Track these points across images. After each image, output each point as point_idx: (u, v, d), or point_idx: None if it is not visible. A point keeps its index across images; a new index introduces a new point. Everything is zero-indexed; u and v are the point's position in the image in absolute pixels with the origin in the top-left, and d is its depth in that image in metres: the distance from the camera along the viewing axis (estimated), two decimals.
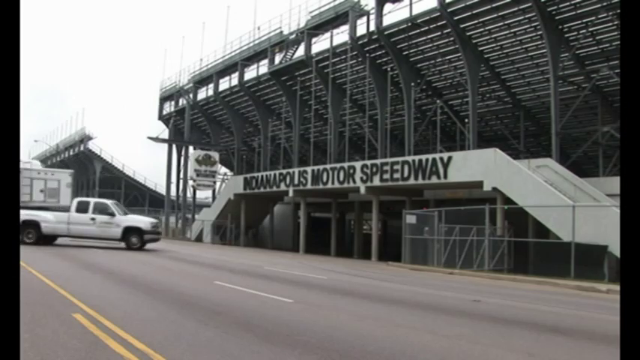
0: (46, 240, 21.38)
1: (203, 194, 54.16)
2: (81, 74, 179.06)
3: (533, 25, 25.14)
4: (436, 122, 29.58)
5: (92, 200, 22.80)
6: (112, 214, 21.45)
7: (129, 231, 21.38)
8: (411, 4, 27.98)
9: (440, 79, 32.36)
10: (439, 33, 27.81)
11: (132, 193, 67.15)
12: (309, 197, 33.82)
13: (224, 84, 44.09)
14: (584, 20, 24.04)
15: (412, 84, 29.83)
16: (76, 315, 6.62)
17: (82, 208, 21.59)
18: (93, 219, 21.24)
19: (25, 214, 20.29)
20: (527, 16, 24.82)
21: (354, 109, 35.64)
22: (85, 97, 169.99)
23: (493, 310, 9.56)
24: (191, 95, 47.95)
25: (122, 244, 21.76)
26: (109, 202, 22.64)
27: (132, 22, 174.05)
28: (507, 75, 30.16)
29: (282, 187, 33.45)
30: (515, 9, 24.70)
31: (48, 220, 21.04)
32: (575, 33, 24.81)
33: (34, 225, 20.73)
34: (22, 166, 22.96)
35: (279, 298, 9.15)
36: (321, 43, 34.66)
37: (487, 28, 26.47)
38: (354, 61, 32.61)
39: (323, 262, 22.53)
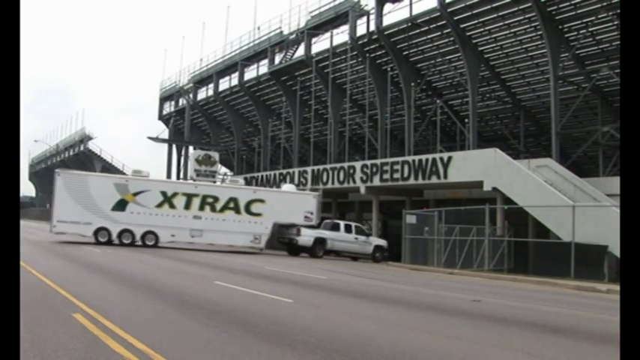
0: (328, 253, 25.40)
1: None
2: (81, 74, 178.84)
3: (533, 25, 25.15)
4: (436, 122, 29.58)
5: (353, 224, 26.99)
6: (368, 235, 25.70)
7: (377, 248, 25.41)
8: (411, 4, 28.00)
9: (440, 79, 32.36)
10: (439, 33, 27.81)
11: None
12: None
13: (224, 84, 44.12)
14: (584, 20, 24.04)
15: (412, 84, 29.83)
16: (76, 315, 6.61)
17: (347, 229, 25.72)
18: (356, 238, 25.50)
19: (316, 233, 24.76)
20: (527, 16, 24.83)
21: (354, 109, 35.64)
22: (86, 96, 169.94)
23: (493, 310, 9.56)
24: (191, 95, 47.94)
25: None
26: (361, 225, 26.96)
27: (132, 22, 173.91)
28: (507, 75, 30.16)
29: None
30: (515, 9, 24.70)
31: (331, 238, 25.07)
32: (575, 33, 24.81)
33: (323, 241, 24.83)
34: (287, 188, 27.13)
35: (279, 298, 9.15)
36: (321, 43, 34.70)
37: (487, 28, 26.48)
38: (354, 61, 32.60)
39: (323, 262, 22.53)
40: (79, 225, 22.04)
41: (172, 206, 23.28)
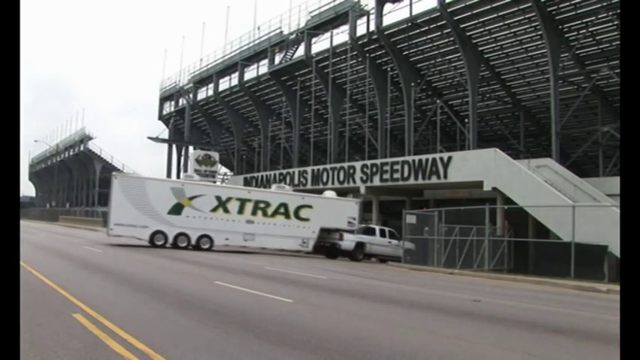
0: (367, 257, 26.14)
1: None
2: (81, 74, 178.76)
3: (533, 25, 25.14)
4: (436, 122, 29.58)
5: (387, 229, 27.09)
6: (399, 239, 25.51)
7: (407, 252, 25.39)
8: (411, 4, 28.00)
9: (440, 79, 32.36)
10: (439, 33, 27.82)
11: None
12: None
13: (224, 84, 44.11)
14: (584, 20, 24.04)
15: (412, 84, 29.83)
16: (76, 315, 6.61)
17: (382, 233, 26.28)
18: (390, 242, 25.99)
19: (357, 238, 25.29)
20: (527, 16, 24.83)
21: (354, 109, 35.64)
22: (86, 96, 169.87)
23: (493, 310, 9.56)
24: (191, 95, 47.93)
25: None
26: (393, 230, 27.16)
27: (132, 22, 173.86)
28: (507, 75, 30.16)
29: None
30: (515, 9, 24.70)
31: (369, 242, 25.73)
32: (575, 33, 24.81)
33: (362, 245, 25.39)
34: (329, 194, 27.43)
35: (279, 298, 9.15)
36: (321, 43, 34.70)
37: (487, 28, 26.48)
38: (354, 61, 32.60)
39: (323, 262, 22.53)
40: (136, 228, 22.34)
41: (226, 211, 23.85)
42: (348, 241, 24.89)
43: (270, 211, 24.42)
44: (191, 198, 23.26)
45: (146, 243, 22.61)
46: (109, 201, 23.25)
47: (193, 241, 23.04)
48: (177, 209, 22.93)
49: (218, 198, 23.83)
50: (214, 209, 23.58)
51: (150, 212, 22.42)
